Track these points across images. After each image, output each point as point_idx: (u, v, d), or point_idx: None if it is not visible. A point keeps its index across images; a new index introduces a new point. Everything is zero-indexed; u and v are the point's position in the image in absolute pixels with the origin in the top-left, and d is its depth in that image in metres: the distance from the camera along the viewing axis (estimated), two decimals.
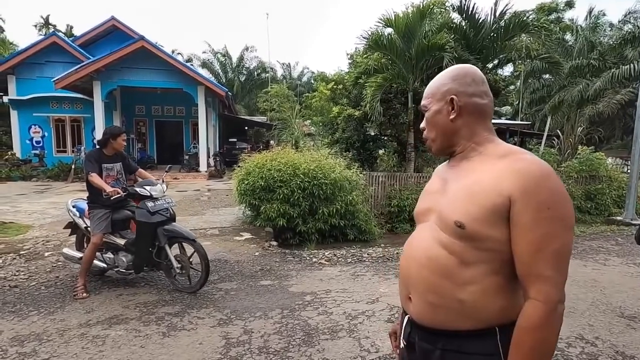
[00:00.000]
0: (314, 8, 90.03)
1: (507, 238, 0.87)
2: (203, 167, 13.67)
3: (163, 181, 3.76)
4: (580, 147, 11.46)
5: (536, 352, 0.85)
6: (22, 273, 4.00)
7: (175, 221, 3.69)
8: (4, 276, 3.88)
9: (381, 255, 5.03)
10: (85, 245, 3.87)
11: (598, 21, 20.71)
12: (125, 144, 3.67)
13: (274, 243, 5.55)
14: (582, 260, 4.80)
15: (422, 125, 1.09)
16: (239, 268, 4.33)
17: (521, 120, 20.92)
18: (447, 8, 8.42)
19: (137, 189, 3.51)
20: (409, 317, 1.06)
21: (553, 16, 22.56)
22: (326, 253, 5.12)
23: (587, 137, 14.12)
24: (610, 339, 2.80)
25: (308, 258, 4.87)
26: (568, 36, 21.42)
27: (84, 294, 3.40)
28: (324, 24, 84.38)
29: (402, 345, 1.08)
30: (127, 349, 2.56)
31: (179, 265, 3.52)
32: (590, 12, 20.61)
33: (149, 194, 3.49)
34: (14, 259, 4.44)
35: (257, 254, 4.94)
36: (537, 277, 0.84)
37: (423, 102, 1.07)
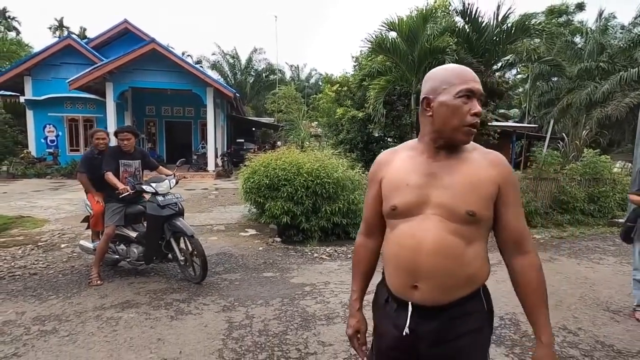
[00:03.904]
0: (323, 10, 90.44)
1: (492, 216, 1.10)
2: (211, 166, 13.97)
3: (174, 176, 3.96)
4: (585, 150, 11.46)
5: (545, 285, 1.12)
6: (41, 262, 4.27)
7: (183, 215, 3.87)
8: (24, 265, 4.16)
9: (381, 252, 5.19)
10: (100, 238, 4.10)
11: (608, 23, 20.56)
12: (125, 142, 3.79)
13: (278, 239, 5.75)
14: (577, 258, 4.91)
15: (480, 109, 1.08)
16: (243, 261, 4.54)
17: (529, 123, 20.88)
18: (451, 12, 8.56)
19: (144, 186, 3.70)
20: (411, 305, 1.11)
21: (563, 18, 22.45)
22: (327, 249, 5.31)
23: (594, 140, 14.06)
24: (593, 330, 2.94)
25: (310, 253, 5.06)
26: (577, 39, 21.31)
27: (98, 282, 3.64)
28: (333, 26, 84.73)
29: (405, 333, 1.11)
30: (138, 329, 2.79)
31: (182, 258, 3.72)
32: (600, 14, 20.52)
33: (154, 191, 3.67)
34: (33, 249, 4.72)
35: (261, 248, 5.15)
36: (526, 236, 1.12)
37: (481, 88, 1.08)
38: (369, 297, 1.31)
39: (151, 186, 3.70)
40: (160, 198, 3.66)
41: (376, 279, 1.33)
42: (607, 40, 19.43)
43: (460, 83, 1.06)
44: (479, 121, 1.07)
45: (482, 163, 1.10)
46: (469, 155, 1.12)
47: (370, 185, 1.26)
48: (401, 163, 1.16)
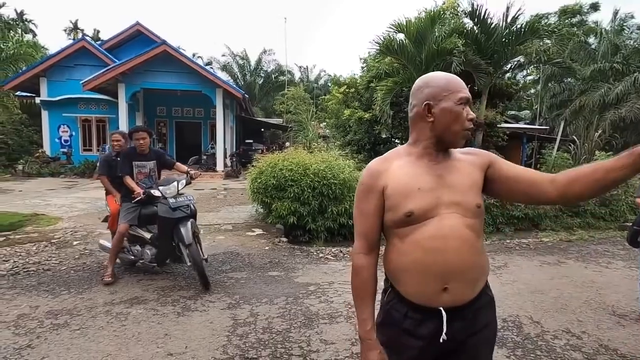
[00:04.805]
0: (332, 11, 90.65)
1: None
2: (220, 167, 14.12)
3: (187, 175, 3.87)
4: (597, 152, 11.26)
5: None
6: (54, 259, 4.40)
7: (195, 217, 3.77)
8: (38, 261, 4.29)
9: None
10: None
11: (625, 24, 20.16)
12: (141, 142, 3.82)
13: (284, 239, 5.80)
14: (584, 262, 4.86)
15: (474, 115, 1.16)
16: (250, 260, 4.61)
17: (541, 125, 20.61)
18: (459, 13, 8.53)
19: (152, 191, 3.65)
20: (444, 311, 1.10)
21: (576, 19, 22.11)
22: (333, 250, 5.34)
23: (607, 142, 13.77)
24: (597, 333, 2.92)
25: (315, 253, 5.11)
26: (591, 39, 20.96)
27: (109, 279, 3.67)
28: (343, 27, 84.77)
29: (443, 340, 1.10)
30: (146, 324, 2.87)
31: (190, 263, 3.57)
32: (615, 14, 20.15)
33: (160, 195, 3.61)
34: (46, 246, 4.86)
35: (267, 248, 5.21)
36: (541, 173, 1.18)
37: (469, 94, 1.15)
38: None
39: (159, 190, 3.65)
40: (171, 200, 3.60)
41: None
42: (622, 41, 19.08)
43: (458, 91, 1.12)
44: (471, 125, 1.14)
45: (468, 159, 1.20)
46: (457, 155, 1.21)
47: (367, 196, 1.17)
48: (403, 169, 1.15)
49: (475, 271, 1.14)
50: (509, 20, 7.85)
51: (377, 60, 9.67)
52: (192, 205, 3.75)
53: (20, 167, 13.54)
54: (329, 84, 24.07)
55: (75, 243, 5.04)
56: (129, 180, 3.75)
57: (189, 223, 3.61)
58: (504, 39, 7.82)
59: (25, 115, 15.96)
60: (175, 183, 3.71)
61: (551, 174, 1.13)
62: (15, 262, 4.23)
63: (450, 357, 1.17)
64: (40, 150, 14.56)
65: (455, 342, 1.14)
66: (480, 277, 1.16)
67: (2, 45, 13.62)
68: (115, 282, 3.72)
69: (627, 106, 16.10)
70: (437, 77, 1.17)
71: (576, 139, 12.02)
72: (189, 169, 4.00)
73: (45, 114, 14.85)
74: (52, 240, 5.09)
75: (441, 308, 1.10)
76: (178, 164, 4.16)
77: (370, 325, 1.17)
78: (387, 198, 1.15)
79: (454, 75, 1.18)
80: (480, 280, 1.17)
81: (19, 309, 3.08)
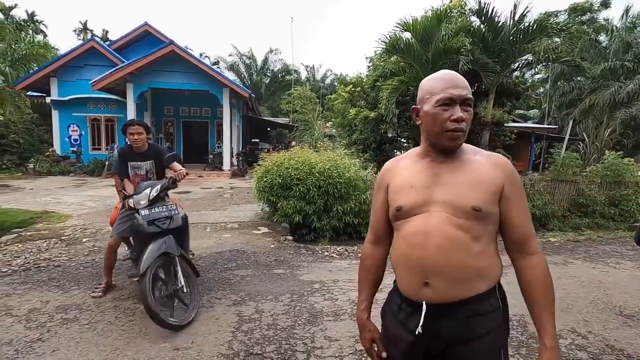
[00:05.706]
0: (339, 10, 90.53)
1: (498, 213, 1.13)
2: (226, 166, 14.21)
3: (167, 177, 3.33)
4: (607, 151, 11.12)
5: (551, 286, 1.14)
6: (64, 255, 4.49)
7: (181, 231, 3.13)
8: (49, 257, 4.38)
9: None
10: (131, 245, 3.60)
11: (636, 21, 19.81)
12: (135, 137, 3.34)
13: (290, 238, 5.83)
14: (592, 262, 4.81)
15: (462, 114, 1.10)
16: (255, 258, 4.65)
17: (549, 124, 20.39)
18: (466, 12, 8.48)
19: (128, 201, 3.12)
20: (426, 304, 1.11)
21: (587, 16, 21.80)
22: (338, 248, 5.37)
23: (618, 141, 13.59)
24: (603, 333, 2.90)
25: (320, 252, 5.13)
26: (602, 37, 20.65)
27: (98, 293, 3.32)
28: (349, 27, 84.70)
29: (418, 333, 1.11)
30: None
31: (166, 294, 2.91)
32: (626, 11, 19.81)
33: (133, 207, 3.05)
34: (57, 243, 4.96)
35: (272, 246, 5.25)
36: (531, 235, 1.15)
37: (464, 93, 1.10)
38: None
39: (133, 199, 3.07)
40: (144, 212, 2.97)
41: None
42: (634, 39, 18.76)
43: (440, 92, 1.11)
44: (461, 125, 1.09)
45: (485, 163, 1.15)
46: (471, 158, 1.17)
47: (377, 192, 1.30)
48: (405, 168, 1.23)
49: (462, 272, 1.09)
50: (516, 18, 7.80)
51: (383, 59, 9.66)
52: (175, 217, 3.07)
53: (31, 165, 13.77)
54: (335, 83, 24.07)
55: (84, 240, 5.12)
56: (127, 184, 3.38)
57: (160, 241, 2.88)
58: (511, 37, 7.77)
59: (36, 115, 16.20)
60: (146, 191, 3.05)
61: (530, 249, 1.14)
62: (26, 258, 4.32)
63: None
64: (50, 149, 14.79)
65: (443, 342, 1.12)
66: (471, 279, 1.10)
67: (14, 46, 13.83)
68: (124, 278, 3.76)
69: (639, 105, 15.84)
70: (426, 80, 1.19)
71: (586, 138, 11.88)
72: (180, 168, 3.32)
73: (55, 114, 15.07)
74: (62, 237, 5.18)
75: (423, 302, 1.11)
76: (174, 163, 3.45)
77: (363, 306, 1.31)
78: (389, 195, 1.24)
79: (446, 74, 1.15)
80: (474, 283, 1.10)
81: (30, 304, 3.15)
